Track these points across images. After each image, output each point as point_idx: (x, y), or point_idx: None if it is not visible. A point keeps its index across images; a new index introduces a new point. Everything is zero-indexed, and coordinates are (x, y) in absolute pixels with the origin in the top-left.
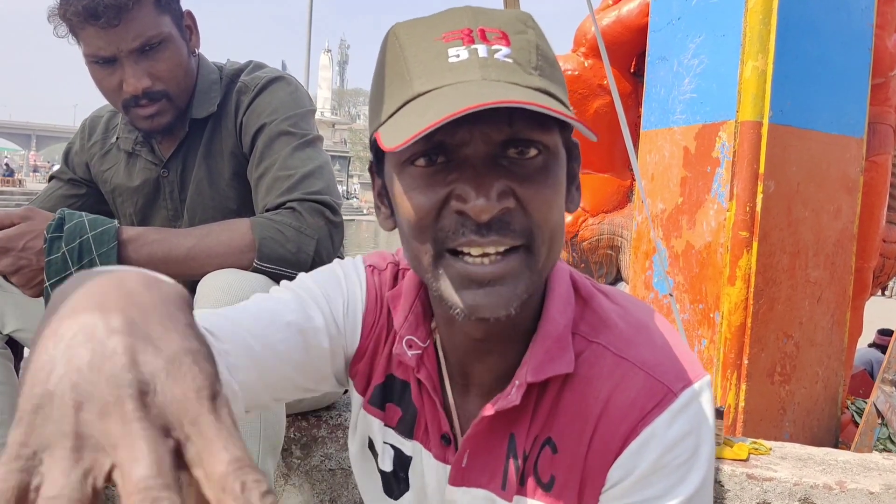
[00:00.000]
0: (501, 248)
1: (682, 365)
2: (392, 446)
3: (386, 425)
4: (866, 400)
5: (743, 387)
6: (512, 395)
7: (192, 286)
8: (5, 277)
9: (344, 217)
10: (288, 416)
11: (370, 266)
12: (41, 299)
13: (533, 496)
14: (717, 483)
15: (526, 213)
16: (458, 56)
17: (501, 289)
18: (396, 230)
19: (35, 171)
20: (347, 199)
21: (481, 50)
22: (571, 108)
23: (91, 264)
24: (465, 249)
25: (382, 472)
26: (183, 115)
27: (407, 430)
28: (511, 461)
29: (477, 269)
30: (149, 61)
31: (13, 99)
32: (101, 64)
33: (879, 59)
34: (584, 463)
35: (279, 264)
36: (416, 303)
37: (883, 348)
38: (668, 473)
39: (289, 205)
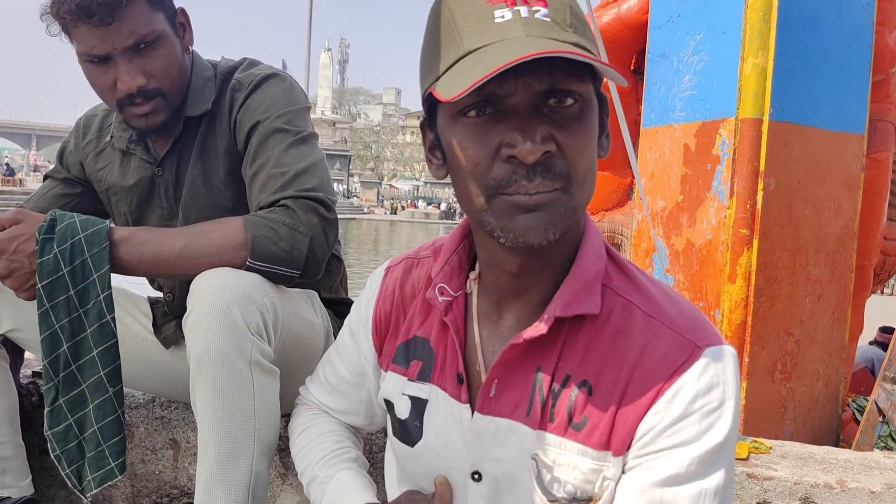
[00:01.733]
0: (547, 190)
1: (708, 330)
2: (409, 396)
3: (407, 380)
4: (867, 398)
5: (744, 385)
6: (540, 326)
7: (188, 284)
8: None
9: (345, 215)
10: (284, 415)
11: (388, 268)
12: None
13: (563, 434)
14: None
15: (564, 157)
16: (503, 17)
17: (542, 214)
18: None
19: (36, 170)
20: (348, 197)
21: (523, 11)
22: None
23: (83, 265)
24: (516, 194)
25: (398, 421)
26: (177, 113)
27: (425, 376)
28: (537, 392)
29: (524, 198)
30: (143, 59)
31: (13, 99)
32: (95, 63)
33: (880, 55)
34: (618, 409)
35: (273, 263)
36: (454, 256)
37: (884, 346)
38: (699, 419)
39: (282, 202)
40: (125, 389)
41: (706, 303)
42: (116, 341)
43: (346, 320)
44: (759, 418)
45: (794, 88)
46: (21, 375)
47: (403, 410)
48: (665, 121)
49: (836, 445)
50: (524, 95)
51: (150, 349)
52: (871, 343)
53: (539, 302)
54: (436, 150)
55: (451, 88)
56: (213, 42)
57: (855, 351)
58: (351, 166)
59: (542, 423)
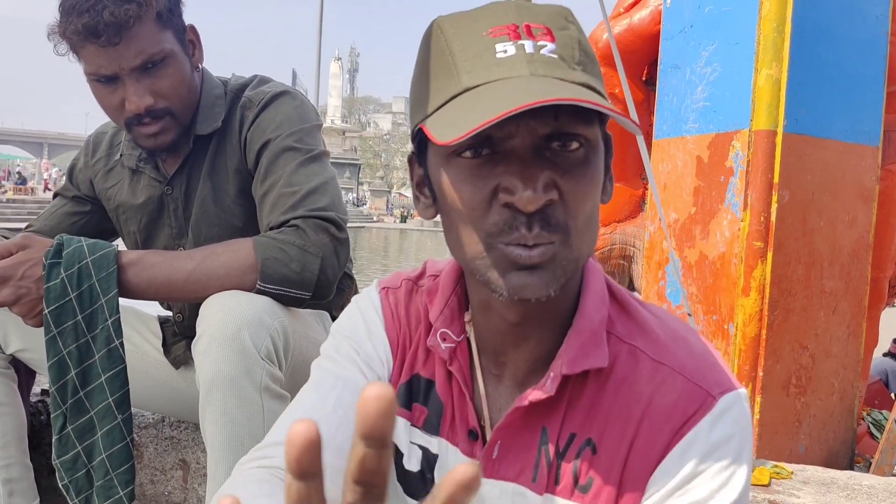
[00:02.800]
0: (545, 241)
1: (720, 373)
2: (419, 446)
3: (412, 425)
4: (882, 411)
5: (758, 399)
6: (547, 386)
7: (198, 304)
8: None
9: (354, 224)
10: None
11: (384, 288)
12: None
13: (569, 497)
14: None
15: (565, 206)
16: (505, 52)
17: (543, 273)
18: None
19: (49, 182)
20: (357, 206)
21: (528, 46)
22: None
23: (91, 290)
24: (513, 242)
25: (408, 473)
26: (187, 131)
27: (433, 428)
28: (543, 454)
29: (523, 254)
30: (151, 79)
31: (26, 107)
32: (103, 82)
33: (894, 66)
34: (624, 467)
35: (283, 285)
36: (453, 297)
37: None
38: (711, 477)
39: (292, 222)
40: (133, 409)
41: (719, 316)
42: (125, 367)
43: (331, 352)
44: (774, 433)
45: (808, 100)
46: (31, 393)
47: (414, 462)
48: (678, 132)
49: (852, 460)
50: (526, 138)
51: (159, 369)
52: (884, 355)
53: (541, 355)
54: (424, 187)
55: (446, 130)
56: (224, 52)
57: (870, 364)
58: (360, 175)
59: (549, 487)
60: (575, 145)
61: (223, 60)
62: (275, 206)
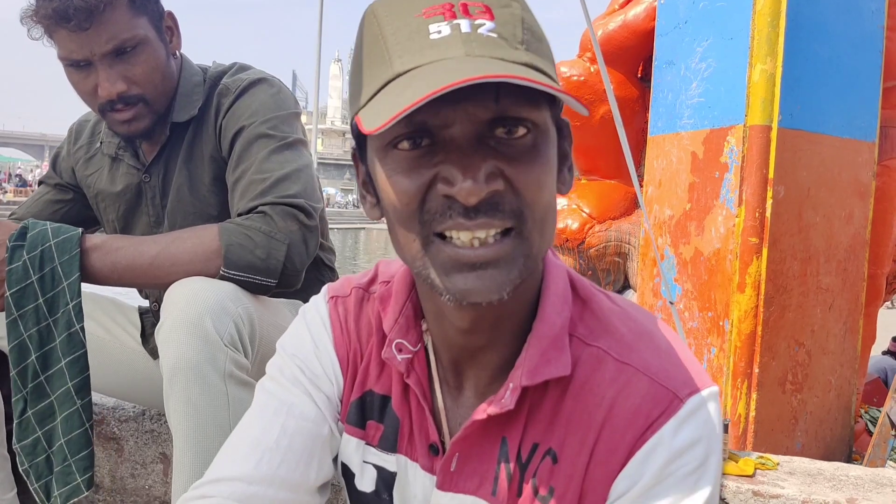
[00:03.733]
0: (492, 231)
1: (688, 372)
2: (374, 465)
3: (368, 444)
4: (880, 409)
5: (754, 396)
6: (506, 399)
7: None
8: None
9: (354, 225)
10: None
11: (332, 298)
12: None
13: None
14: (722, 500)
15: (516, 194)
16: (439, 32)
17: (494, 272)
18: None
19: None
20: (356, 207)
21: (464, 25)
22: (560, 82)
23: (53, 273)
24: (453, 234)
25: (361, 494)
26: (164, 118)
27: (390, 445)
28: (503, 466)
29: (468, 252)
30: (124, 65)
31: (27, 110)
32: (76, 67)
33: (891, 62)
34: (586, 474)
35: (247, 271)
36: (407, 304)
37: None
38: (675, 483)
39: (260, 209)
40: (114, 401)
41: (715, 313)
42: (85, 352)
43: (276, 372)
44: (770, 430)
45: (803, 95)
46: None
47: (368, 483)
48: (672, 128)
49: (849, 457)
50: (465, 126)
51: (137, 359)
52: (884, 353)
53: (500, 363)
54: (369, 185)
55: (376, 118)
56: (223, 54)
57: (867, 361)
58: None
59: (510, 500)
60: (522, 131)
61: (222, 61)
62: (245, 192)
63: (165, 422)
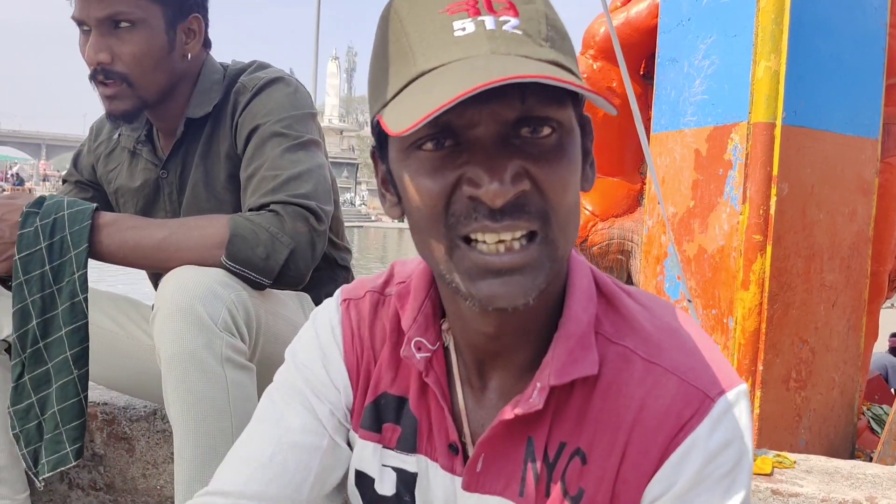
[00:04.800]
0: (518, 234)
1: (717, 370)
2: (393, 468)
3: (385, 447)
4: (882, 406)
5: (758, 393)
6: (534, 399)
7: None
8: None
9: (352, 223)
10: None
11: (345, 301)
12: None
13: None
14: None
15: (542, 195)
16: (463, 29)
17: (520, 278)
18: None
19: (45, 179)
20: (354, 205)
21: (488, 22)
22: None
23: (62, 242)
24: (479, 237)
25: (381, 498)
26: (181, 113)
27: (409, 446)
28: (529, 467)
29: (494, 258)
30: (115, 39)
31: (23, 109)
32: (83, 31)
33: (894, 59)
34: (617, 476)
35: (246, 267)
36: (427, 302)
37: None
38: (712, 485)
39: (272, 207)
40: (126, 400)
41: (719, 310)
42: (87, 322)
43: (281, 381)
44: (774, 428)
45: (807, 92)
46: None
47: (388, 486)
48: (676, 126)
49: (852, 455)
50: (490, 126)
51: (150, 355)
52: (888, 351)
53: (525, 363)
54: (388, 184)
55: (402, 119)
56: (220, 52)
57: (870, 358)
58: (358, 174)
59: (538, 499)
60: (547, 130)
61: (219, 60)
62: (256, 188)
63: None
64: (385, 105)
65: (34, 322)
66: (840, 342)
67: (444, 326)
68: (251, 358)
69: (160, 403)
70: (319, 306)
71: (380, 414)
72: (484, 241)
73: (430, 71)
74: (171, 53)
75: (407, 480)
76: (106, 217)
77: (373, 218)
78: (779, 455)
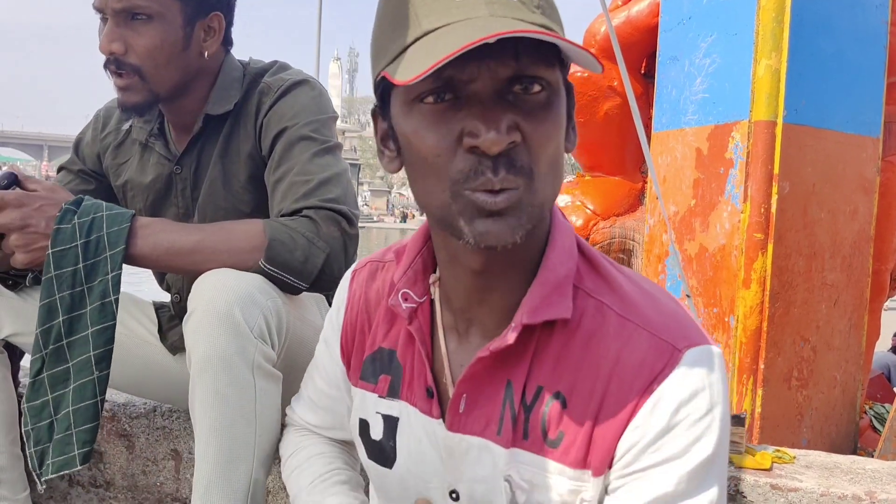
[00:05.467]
0: (511, 186)
1: (687, 329)
2: (381, 415)
3: (379, 397)
4: (884, 404)
5: (759, 392)
6: (508, 336)
7: None
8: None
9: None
10: (284, 426)
11: (354, 271)
12: (35, 305)
13: (538, 451)
14: (740, 494)
15: (528, 148)
16: None
17: (508, 219)
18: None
19: (47, 180)
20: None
21: None
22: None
23: (98, 241)
24: (480, 188)
25: (373, 443)
26: (199, 109)
27: (395, 392)
28: (507, 408)
29: (489, 199)
30: (129, 31)
31: (26, 110)
32: (102, 20)
33: (895, 57)
34: (594, 423)
35: (284, 270)
36: (418, 259)
37: None
38: (683, 431)
39: (305, 212)
40: (126, 398)
41: (720, 309)
42: (114, 324)
43: (322, 331)
44: (776, 426)
45: (808, 90)
46: (23, 384)
47: (377, 431)
48: (677, 124)
49: (854, 454)
50: (488, 81)
51: (155, 355)
52: (890, 349)
53: (505, 308)
54: (388, 140)
55: (408, 71)
56: None
57: (872, 357)
58: (360, 175)
59: (515, 441)
60: (537, 88)
61: None
62: (287, 193)
63: (177, 418)
64: (391, 62)
65: (60, 318)
66: (842, 341)
67: (432, 280)
68: (276, 363)
69: (162, 401)
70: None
71: (375, 366)
72: (482, 191)
73: (434, 31)
74: (187, 50)
75: (391, 425)
76: (141, 221)
77: (375, 219)
78: (778, 450)
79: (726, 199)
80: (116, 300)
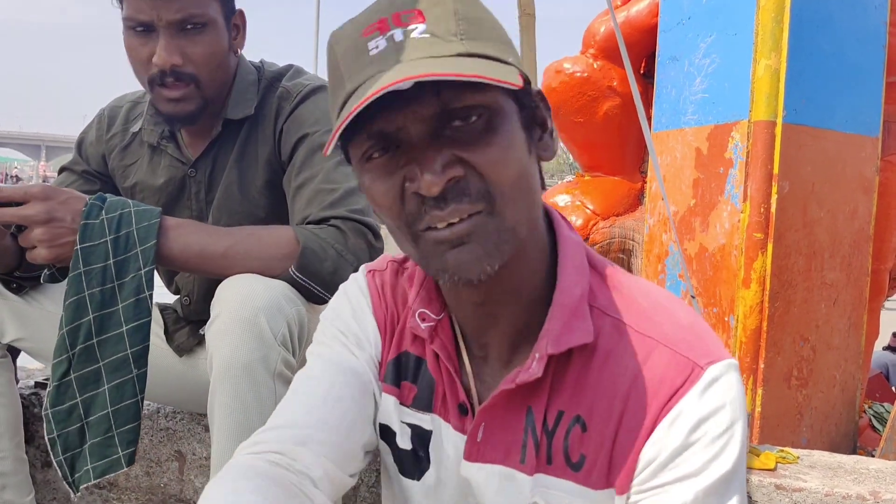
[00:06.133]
0: (465, 216)
1: (707, 343)
2: (409, 424)
3: (401, 404)
4: (883, 404)
5: (759, 392)
6: (533, 368)
7: (206, 289)
8: (19, 230)
9: None
10: None
11: (370, 271)
12: (39, 309)
13: (561, 475)
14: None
15: (480, 176)
16: (377, 47)
17: (471, 247)
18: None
19: (45, 181)
20: None
21: (397, 34)
22: (517, 56)
23: (128, 237)
24: (432, 225)
25: (402, 451)
26: (206, 109)
27: (425, 404)
28: (530, 435)
29: (443, 233)
30: (185, 40)
31: (23, 110)
32: (138, 31)
33: (894, 56)
34: (614, 443)
35: (314, 280)
36: (428, 279)
37: None
38: (702, 448)
39: (333, 222)
40: None
41: (720, 308)
42: (150, 320)
43: (319, 337)
44: (775, 426)
45: (807, 90)
46: (23, 386)
47: (406, 441)
48: (676, 124)
49: (854, 453)
50: (417, 125)
51: (163, 357)
52: (884, 348)
53: (515, 332)
54: None
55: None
56: None
57: (871, 356)
58: None
59: (539, 467)
60: (474, 117)
61: None
62: (312, 200)
63: (181, 420)
64: (334, 127)
65: (90, 316)
66: (841, 340)
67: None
68: (295, 370)
69: (166, 403)
70: (346, 281)
71: (400, 371)
72: (436, 227)
73: (354, 91)
74: (230, 50)
75: (422, 437)
76: (170, 220)
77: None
78: (782, 450)
79: (726, 198)
80: (151, 296)
